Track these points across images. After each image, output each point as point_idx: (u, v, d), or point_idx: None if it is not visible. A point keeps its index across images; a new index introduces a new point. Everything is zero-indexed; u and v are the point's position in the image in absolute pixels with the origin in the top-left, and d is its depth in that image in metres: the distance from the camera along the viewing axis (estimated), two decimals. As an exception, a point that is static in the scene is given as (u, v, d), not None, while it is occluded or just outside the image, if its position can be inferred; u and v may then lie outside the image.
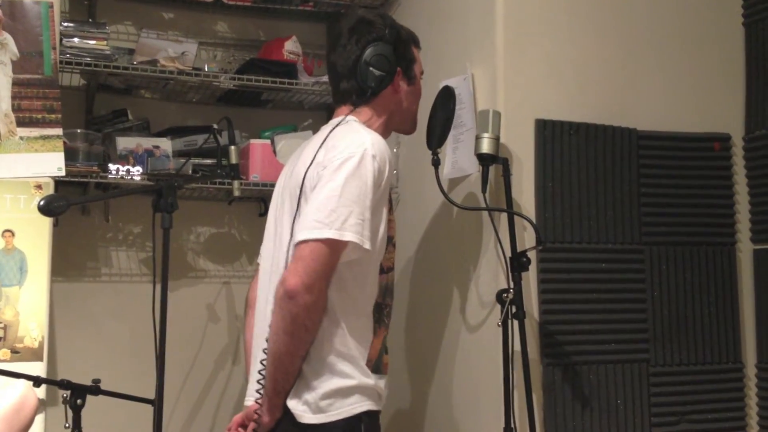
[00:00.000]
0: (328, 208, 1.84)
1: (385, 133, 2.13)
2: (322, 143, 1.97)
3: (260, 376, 1.90)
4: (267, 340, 1.89)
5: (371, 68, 2.05)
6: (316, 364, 1.89)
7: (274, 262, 2.03)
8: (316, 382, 1.88)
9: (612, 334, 2.42)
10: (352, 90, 2.09)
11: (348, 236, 1.83)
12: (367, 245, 1.86)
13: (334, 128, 2.01)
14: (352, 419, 1.89)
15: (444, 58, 2.67)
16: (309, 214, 1.86)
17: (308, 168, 1.95)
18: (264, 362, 1.89)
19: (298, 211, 1.92)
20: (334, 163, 1.89)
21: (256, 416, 1.91)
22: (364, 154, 1.89)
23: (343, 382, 1.89)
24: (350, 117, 2.06)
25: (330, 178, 1.88)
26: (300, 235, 1.84)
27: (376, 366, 1.99)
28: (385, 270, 2.04)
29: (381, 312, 2.04)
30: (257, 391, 1.91)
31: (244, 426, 2.04)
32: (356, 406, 1.90)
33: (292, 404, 1.89)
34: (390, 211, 2.05)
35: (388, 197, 2.02)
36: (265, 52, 3.18)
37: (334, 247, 1.83)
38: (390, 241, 2.04)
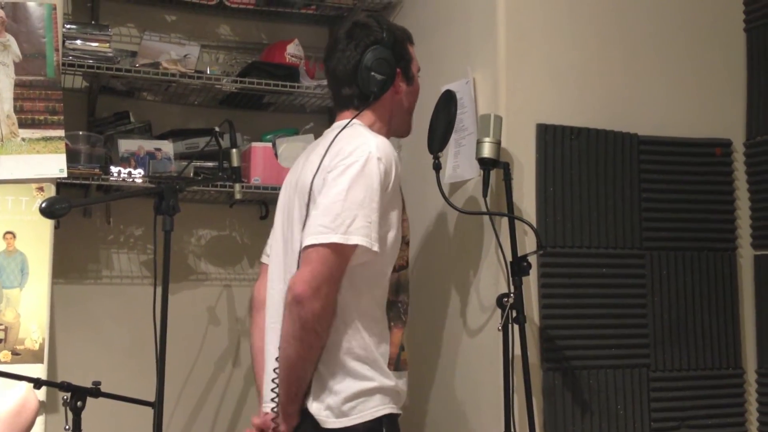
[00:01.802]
0: (334, 212, 1.84)
1: (387, 135, 2.13)
2: (328, 148, 1.97)
3: (274, 385, 1.90)
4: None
5: (372, 73, 2.05)
6: (334, 367, 1.90)
7: (287, 269, 2.03)
8: (337, 386, 1.89)
9: (612, 339, 2.42)
10: (354, 95, 2.09)
11: (355, 239, 1.83)
12: (375, 248, 1.87)
13: (339, 132, 2.01)
14: (373, 422, 1.90)
15: (445, 62, 2.68)
16: (315, 219, 1.86)
17: (315, 173, 1.95)
18: (276, 370, 1.89)
19: (308, 216, 1.92)
20: (339, 168, 1.90)
21: (274, 425, 1.91)
22: (369, 157, 1.90)
23: (364, 385, 1.90)
24: (355, 121, 2.06)
25: (335, 182, 1.88)
26: (306, 240, 1.85)
27: (397, 363, 2.00)
28: (397, 268, 2.04)
29: (397, 310, 2.04)
30: (272, 400, 1.91)
31: None
32: (378, 408, 1.91)
33: (315, 409, 1.89)
34: (403, 210, 2.05)
35: (400, 198, 2.02)
36: (268, 55, 3.18)
37: (340, 252, 1.84)
38: (403, 240, 2.05)
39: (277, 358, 1.89)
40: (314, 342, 1.86)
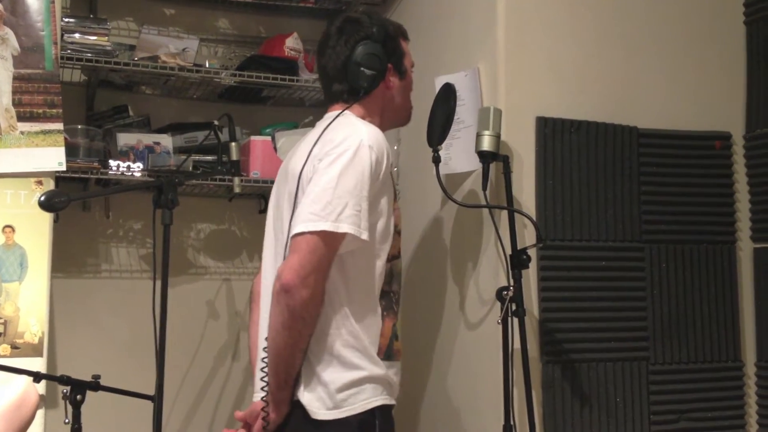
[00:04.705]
0: (324, 200, 1.84)
1: (379, 128, 2.13)
2: (319, 137, 1.98)
3: (264, 374, 1.90)
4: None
5: (362, 68, 2.06)
6: (324, 355, 1.90)
7: (276, 257, 2.04)
8: (327, 375, 1.89)
9: (612, 332, 2.42)
10: (344, 90, 2.09)
11: (344, 228, 1.84)
12: (364, 236, 1.87)
13: (330, 122, 2.01)
14: (365, 414, 1.90)
15: (445, 56, 2.67)
16: (305, 207, 1.86)
17: (305, 162, 1.95)
18: (266, 359, 1.90)
19: (296, 205, 1.93)
20: (330, 156, 1.90)
21: (264, 413, 1.91)
22: (360, 145, 1.90)
23: (354, 375, 1.90)
24: (346, 111, 2.06)
25: (325, 170, 1.88)
26: (296, 228, 1.85)
27: (388, 353, 2.00)
28: (389, 258, 2.04)
29: (389, 299, 2.05)
30: (262, 389, 1.92)
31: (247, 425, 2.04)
32: (371, 400, 1.92)
33: (306, 400, 1.89)
34: (395, 200, 2.06)
35: (391, 187, 2.02)
36: (266, 49, 3.18)
37: (330, 240, 1.84)
38: (395, 229, 2.05)
39: (265, 348, 1.90)
40: (303, 330, 1.86)
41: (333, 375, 1.89)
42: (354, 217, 1.85)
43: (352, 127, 1.97)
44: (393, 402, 2.00)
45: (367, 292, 1.99)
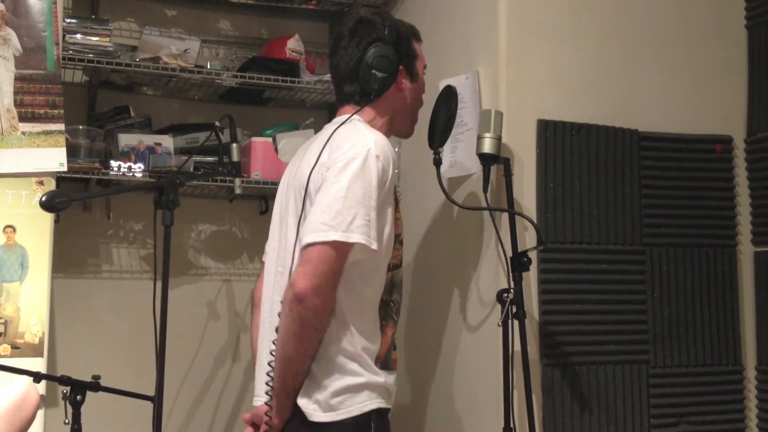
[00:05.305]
0: (334, 210, 1.84)
1: (388, 132, 2.14)
2: (326, 143, 1.97)
3: (269, 378, 1.90)
4: (274, 342, 1.89)
5: (373, 70, 2.05)
6: (324, 363, 1.90)
7: (279, 263, 2.04)
8: (325, 381, 1.89)
9: (612, 335, 2.42)
10: (355, 92, 2.09)
11: (355, 237, 1.83)
12: (374, 245, 1.87)
13: (338, 127, 2.01)
14: (362, 417, 1.90)
15: (446, 58, 2.67)
16: (315, 217, 1.86)
17: (312, 168, 1.95)
18: (272, 364, 1.90)
19: (303, 213, 1.93)
20: (338, 165, 1.89)
21: (267, 418, 1.91)
22: (368, 154, 1.90)
23: (352, 380, 1.90)
24: (355, 116, 2.06)
25: (335, 179, 1.88)
26: (307, 238, 1.85)
27: (385, 362, 2.00)
28: (390, 267, 2.04)
29: (389, 309, 2.05)
30: (267, 393, 1.92)
31: (255, 426, 2.04)
32: (366, 403, 1.91)
33: (303, 403, 1.89)
34: (396, 209, 2.06)
35: (393, 196, 2.02)
36: (268, 50, 3.18)
37: (341, 249, 1.84)
38: (397, 238, 2.05)
39: (272, 352, 1.90)
40: (314, 338, 1.87)
41: (330, 380, 1.89)
42: (364, 227, 1.85)
43: (360, 135, 1.96)
44: (389, 406, 1.99)
45: (369, 302, 1.99)
